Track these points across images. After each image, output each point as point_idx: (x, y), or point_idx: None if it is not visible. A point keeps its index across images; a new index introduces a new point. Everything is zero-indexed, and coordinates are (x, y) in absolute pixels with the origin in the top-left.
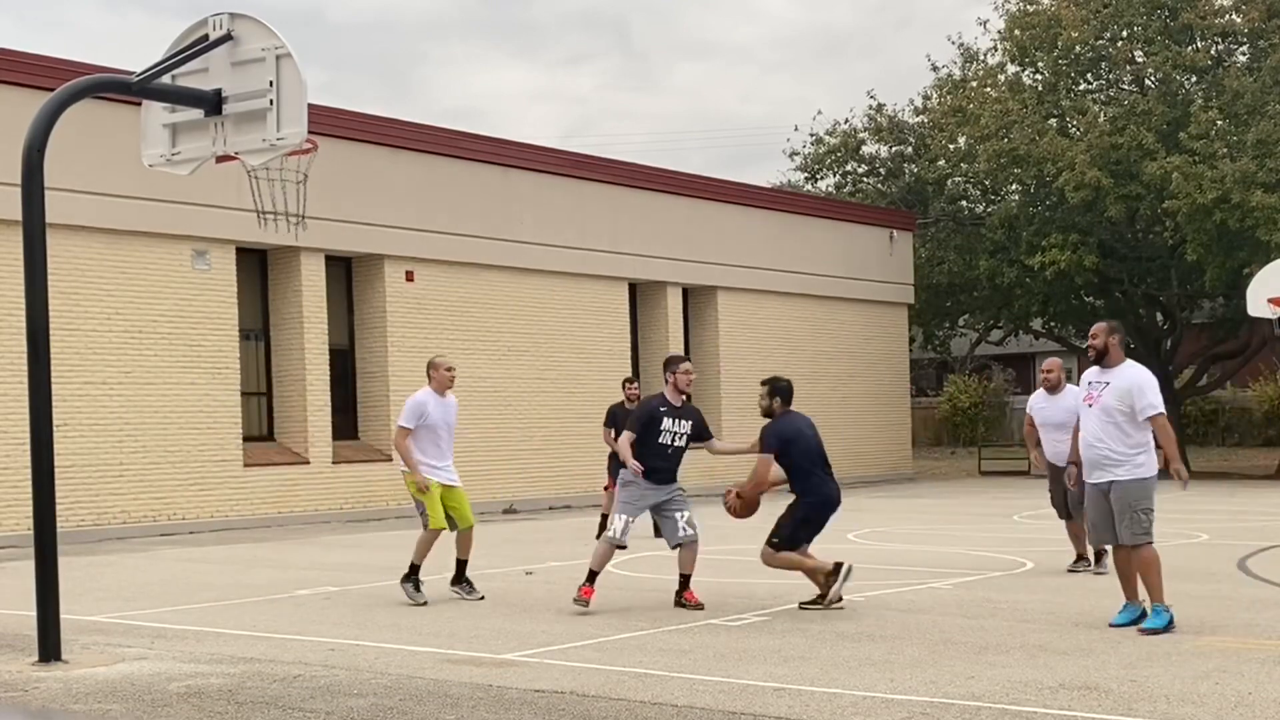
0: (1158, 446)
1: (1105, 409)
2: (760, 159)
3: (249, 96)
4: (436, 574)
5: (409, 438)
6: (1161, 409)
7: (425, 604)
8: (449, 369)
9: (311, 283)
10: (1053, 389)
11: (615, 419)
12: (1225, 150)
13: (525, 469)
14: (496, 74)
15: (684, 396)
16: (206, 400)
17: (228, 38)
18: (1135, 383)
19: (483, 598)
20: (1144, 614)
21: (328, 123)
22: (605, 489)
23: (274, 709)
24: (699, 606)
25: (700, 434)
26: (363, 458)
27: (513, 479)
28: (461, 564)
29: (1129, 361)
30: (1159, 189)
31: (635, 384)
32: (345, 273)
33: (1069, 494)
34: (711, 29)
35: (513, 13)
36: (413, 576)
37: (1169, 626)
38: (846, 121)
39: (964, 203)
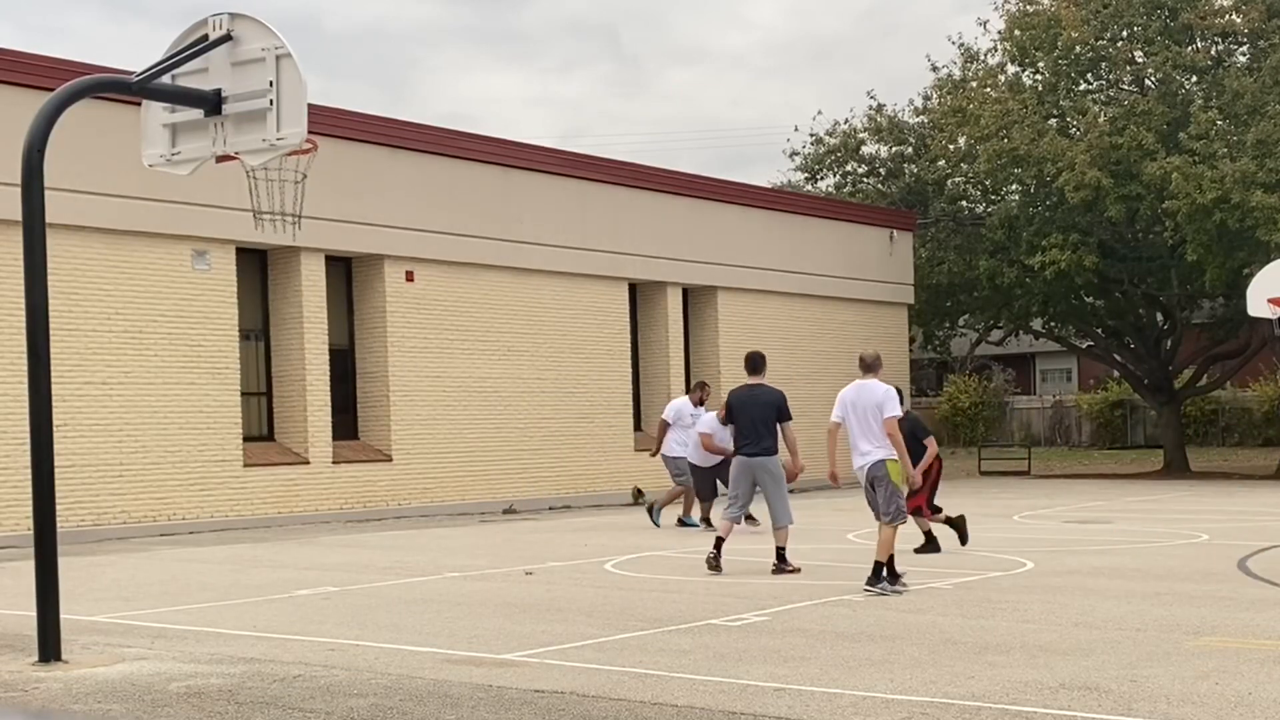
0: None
1: None
2: (753, 162)
3: (249, 96)
4: (435, 574)
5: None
6: None
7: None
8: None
9: (311, 283)
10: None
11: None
12: (1225, 150)
13: (525, 469)
14: (490, 80)
15: None
16: (206, 400)
17: (227, 38)
18: None
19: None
20: None
21: (328, 123)
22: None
23: (274, 709)
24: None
25: None
26: (363, 458)
27: (513, 479)
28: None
29: None
30: (1159, 189)
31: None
32: (345, 273)
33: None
34: (701, 36)
35: (505, 20)
36: (889, 572)
37: None
38: (846, 122)
39: (964, 203)
